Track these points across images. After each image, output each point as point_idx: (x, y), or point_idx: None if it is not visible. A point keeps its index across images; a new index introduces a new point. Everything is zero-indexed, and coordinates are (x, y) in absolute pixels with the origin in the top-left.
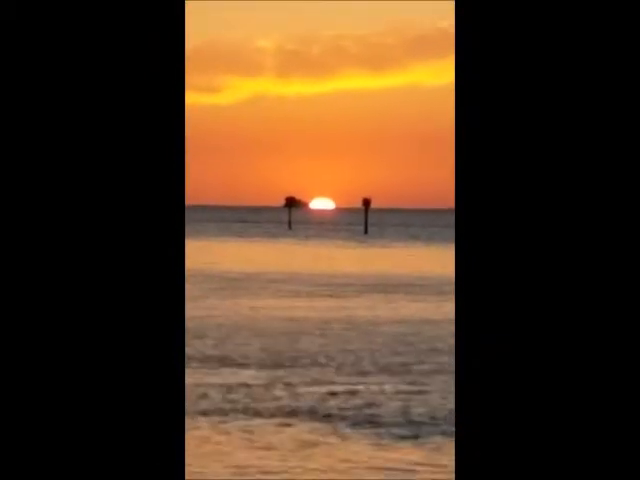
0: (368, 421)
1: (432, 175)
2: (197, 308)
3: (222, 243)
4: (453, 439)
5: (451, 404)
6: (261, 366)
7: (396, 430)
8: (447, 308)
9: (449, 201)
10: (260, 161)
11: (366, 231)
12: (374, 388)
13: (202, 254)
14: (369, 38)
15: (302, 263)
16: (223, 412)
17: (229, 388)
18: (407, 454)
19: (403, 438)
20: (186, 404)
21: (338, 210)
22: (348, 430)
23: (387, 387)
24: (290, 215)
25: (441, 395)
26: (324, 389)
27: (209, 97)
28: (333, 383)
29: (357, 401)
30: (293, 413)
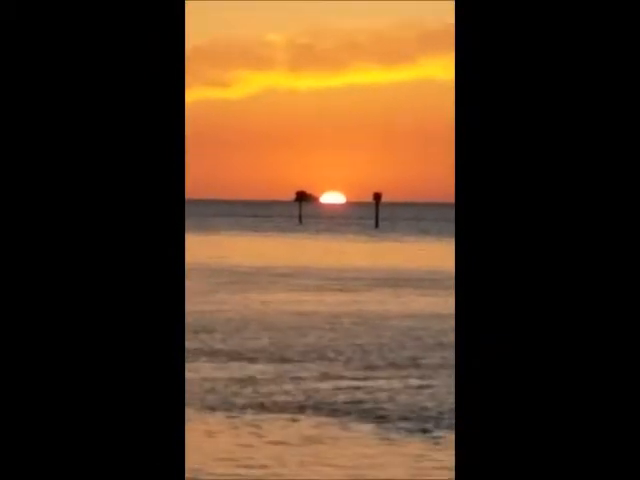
0: (376, 415)
1: (443, 169)
2: (207, 302)
3: (232, 237)
4: None
5: None
6: (270, 360)
7: (404, 424)
8: None
9: None
10: (271, 155)
11: (377, 225)
12: (382, 382)
13: (212, 248)
14: (381, 32)
15: (312, 257)
16: (231, 406)
17: (237, 382)
18: (415, 448)
19: (411, 432)
20: (194, 398)
21: (349, 204)
22: (356, 424)
23: (395, 381)
24: (301, 209)
25: (449, 390)
26: (332, 383)
27: (220, 91)
28: (342, 377)
29: (365, 395)
30: (301, 407)
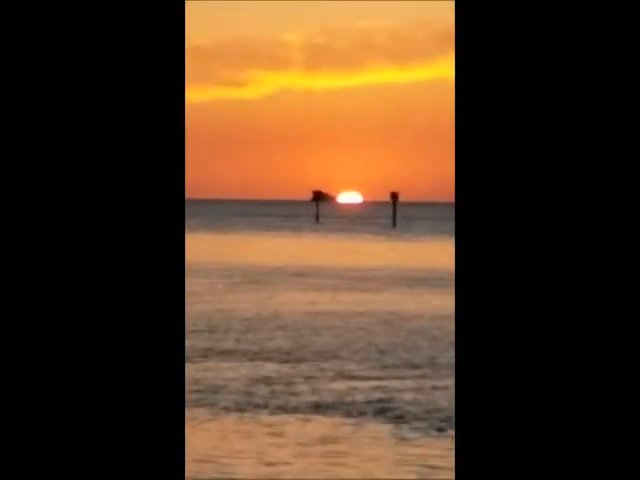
0: (392, 415)
1: None
2: (222, 302)
3: (249, 237)
4: None
5: None
6: (285, 360)
7: (420, 424)
8: None
9: None
10: (287, 155)
11: (394, 225)
12: (398, 382)
13: (229, 248)
14: (396, 32)
15: (329, 257)
16: (245, 406)
17: (252, 382)
18: (431, 448)
19: (427, 432)
20: (208, 399)
21: (366, 204)
22: (371, 424)
23: (411, 381)
24: (318, 209)
25: None
26: (348, 383)
27: (236, 91)
28: (357, 377)
29: (381, 395)
30: (316, 407)
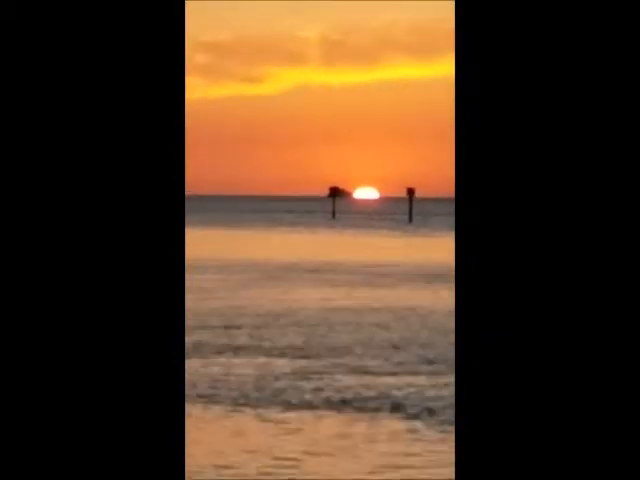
0: (406, 411)
1: None
2: (236, 298)
3: (265, 233)
4: None
5: None
6: (298, 356)
7: (434, 420)
8: None
9: None
10: (304, 151)
11: (410, 220)
12: (412, 378)
13: (245, 244)
14: (414, 27)
15: (344, 252)
16: (258, 402)
17: (266, 378)
18: (445, 445)
19: (441, 428)
20: (222, 395)
21: (382, 199)
22: (386, 420)
23: (425, 377)
24: (334, 205)
25: None
26: (362, 379)
27: (253, 87)
28: (371, 373)
29: (395, 391)
30: (330, 403)
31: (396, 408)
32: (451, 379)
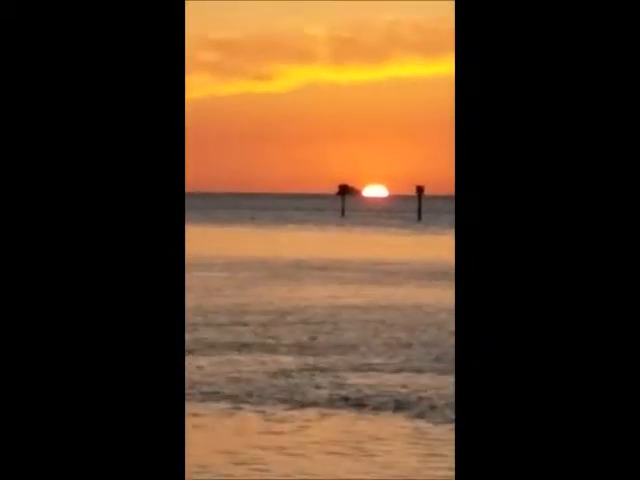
0: (412, 409)
1: None
2: (243, 295)
3: (274, 230)
4: None
5: None
6: (305, 353)
7: (440, 418)
8: None
9: None
10: (313, 149)
11: (419, 218)
12: (419, 376)
13: (254, 241)
14: (423, 25)
15: (353, 250)
16: (264, 400)
17: (271, 376)
18: (451, 443)
19: (447, 427)
20: (227, 393)
21: (391, 197)
22: (392, 418)
23: (432, 375)
24: (343, 202)
25: None
26: (367, 377)
27: (262, 85)
28: (377, 371)
29: (401, 389)
30: (336, 401)
31: (401, 406)
32: None
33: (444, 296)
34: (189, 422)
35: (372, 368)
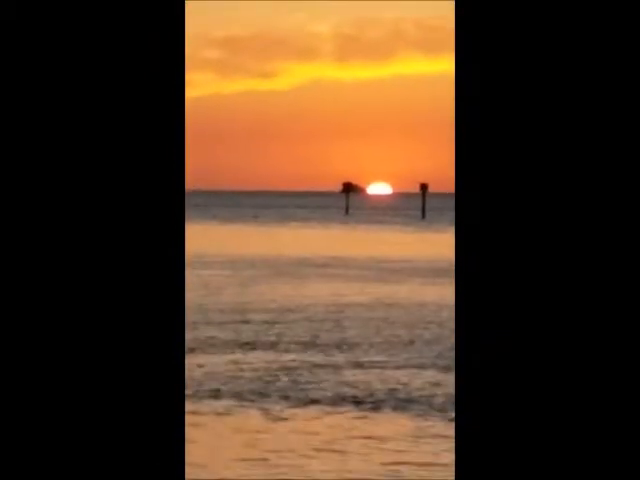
0: (414, 407)
1: None
2: (246, 293)
3: (278, 228)
4: None
5: None
6: (306, 351)
7: (444, 415)
8: None
9: None
10: (317, 146)
11: (424, 216)
12: (422, 374)
13: (257, 239)
14: (427, 22)
15: (357, 248)
16: (266, 398)
17: (274, 373)
18: (453, 441)
19: (449, 425)
20: (230, 390)
21: (395, 195)
22: (394, 417)
23: (434, 373)
24: (347, 200)
25: None
26: (370, 374)
27: (266, 83)
28: (380, 368)
29: (403, 387)
30: (337, 399)
31: (404, 404)
32: None
33: (447, 294)
34: (190, 421)
35: (374, 365)
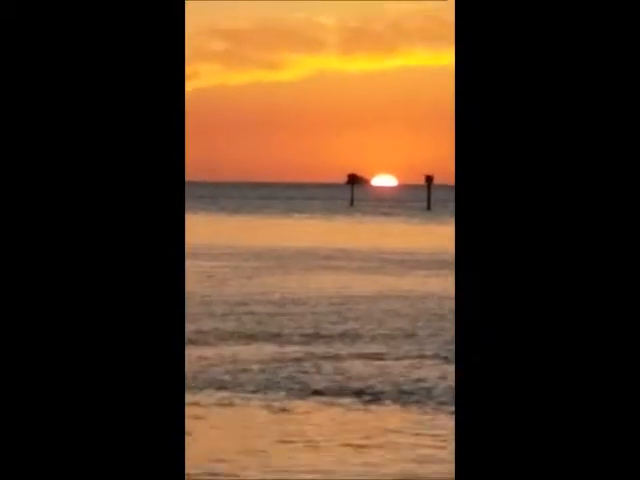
0: (418, 400)
1: None
2: (250, 285)
3: (283, 220)
4: None
5: None
6: (308, 343)
7: (446, 408)
8: None
9: None
10: (323, 138)
11: (429, 208)
12: (424, 366)
13: (262, 231)
14: (433, 14)
15: (362, 240)
16: (267, 389)
17: (275, 365)
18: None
19: (450, 416)
20: (232, 381)
21: (400, 187)
22: (397, 410)
23: (435, 365)
24: (352, 192)
25: None
26: (373, 367)
27: (271, 74)
28: (381, 360)
29: (406, 379)
30: (341, 391)
31: (405, 396)
32: None
33: (451, 286)
34: (191, 412)
35: (377, 357)
